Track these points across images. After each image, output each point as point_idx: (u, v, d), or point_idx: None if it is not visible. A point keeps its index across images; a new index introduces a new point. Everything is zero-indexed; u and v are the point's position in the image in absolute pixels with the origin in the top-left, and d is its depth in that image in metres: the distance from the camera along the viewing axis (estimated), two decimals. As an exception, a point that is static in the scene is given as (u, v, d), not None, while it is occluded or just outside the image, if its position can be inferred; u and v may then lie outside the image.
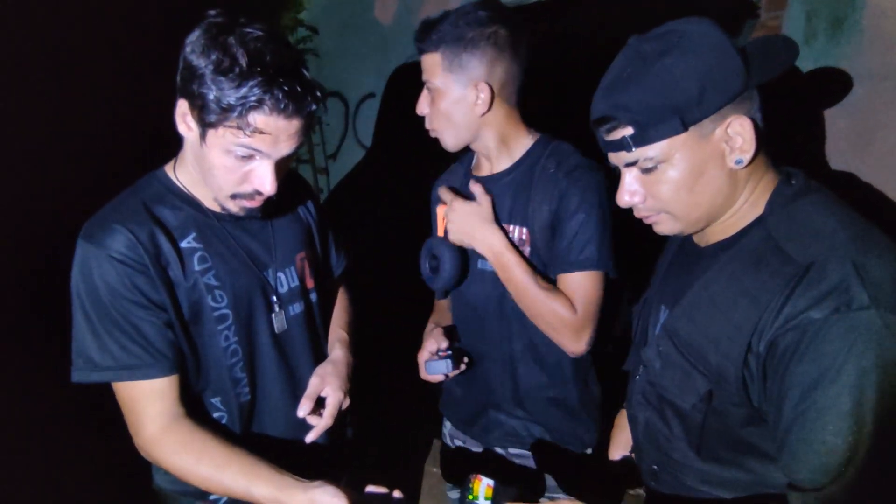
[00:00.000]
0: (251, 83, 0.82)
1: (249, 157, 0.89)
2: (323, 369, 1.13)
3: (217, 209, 1.02)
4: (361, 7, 2.35)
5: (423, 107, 1.23)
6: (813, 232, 0.72)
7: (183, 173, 0.99)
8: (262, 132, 0.85)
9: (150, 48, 0.94)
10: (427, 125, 1.23)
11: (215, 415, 1.03)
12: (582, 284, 1.16)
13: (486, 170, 1.31)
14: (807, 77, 1.40)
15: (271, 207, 1.10)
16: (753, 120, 0.74)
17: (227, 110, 0.83)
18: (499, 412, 1.36)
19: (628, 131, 0.77)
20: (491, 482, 0.82)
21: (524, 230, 1.22)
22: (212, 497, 1.04)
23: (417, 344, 1.31)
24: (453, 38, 1.13)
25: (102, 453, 1.31)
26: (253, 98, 0.82)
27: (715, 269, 0.80)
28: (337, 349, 1.20)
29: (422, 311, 1.54)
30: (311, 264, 1.17)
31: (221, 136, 0.86)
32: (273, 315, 1.06)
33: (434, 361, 1.18)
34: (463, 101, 1.18)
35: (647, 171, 0.79)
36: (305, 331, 1.13)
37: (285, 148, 0.90)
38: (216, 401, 1.02)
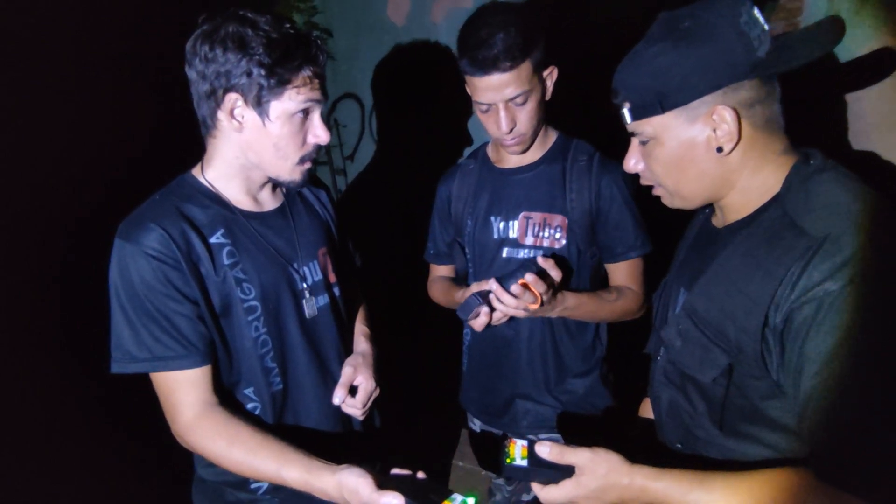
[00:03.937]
0: (293, 44, 0.94)
1: (305, 115, 1.00)
2: (354, 360, 1.17)
3: (245, 206, 1.07)
4: (374, 8, 2.38)
5: (521, 118, 1.19)
6: (828, 206, 0.73)
7: (210, 173, 1.04)
8: (316, 78, 0.98)
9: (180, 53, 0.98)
10: (519, 131, 1.21)
11: (249, 406, 1.06)
12: (635, 267, 1.33)
13: (513, 162, 1.34)
14: (830, 57, 1.38)
15: (292, 204, 1.16)
16: (737, 110, 0.76)
17: (289, 72, 0.94)
18: (527, 401, 1.38)
19: (627, 105, 0.83)
20: (525, 442, 0.85)
21: (564, 219, 1.29)
22: (252, 486, 1.07)
23: (435, 338, 1.32)
24: (533, 40, 1.14)
25: (149, 445, 1.35)
26: (301, 54, 0.94)
27: (731, 248, 0.81)
28: (363, 342, 1.25)
29: (438, 307, 1.55)
30: (333, 259, 1.21)
31: (287, 100, 0.96)
32: (304, 301, 1.10)
33: (461, 306, 1.18)
34: (544, 94, 1.24)
35: (644, 143, 0.86)
36: (332, 321, 1.16)
37: (324, 94, 1.02)
38: (249, 391, 1.06)
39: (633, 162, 0.90)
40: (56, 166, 1.51)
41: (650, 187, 0.92)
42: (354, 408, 1.12)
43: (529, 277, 1.13)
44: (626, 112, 0.84)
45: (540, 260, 1.16)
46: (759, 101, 0.77)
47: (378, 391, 1.16)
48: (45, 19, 1.50)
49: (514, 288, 1.14)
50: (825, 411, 0.68)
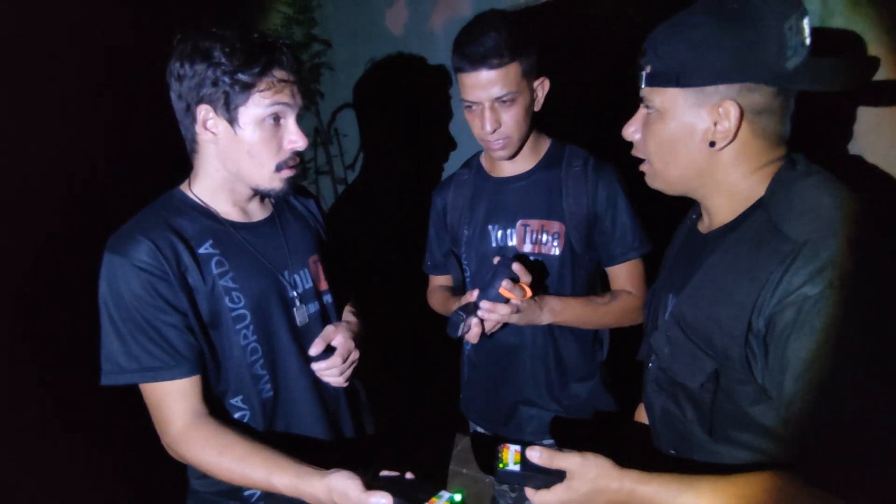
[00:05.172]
0: (257, 49, 0.95)
1: (278, 120, 1.00)
2: (336, 324, 1.20)
3: (233, 217, 1.08)
4: (372, 18, 2.40)
5: (506, 120, 1.20)
6: (809, 211, 0.73)
7: (197, 188, 1.06)
8: (283, 81, 0.98)
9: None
10: (503, 133, 1.22)
11: (237, 415, 1.07)
12: (634, 269, 1.33)
13: (508, 170, 1.34)
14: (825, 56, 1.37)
15: (281, 214, 1.18)
16: (743, 111, 0.76)
17: (253, 77, 0.95)
18: (531, 407, 1.38)
19: (648, 69, 0.82)
20: (518, 447, 0.85)
21: (562, 225, 1.29)
22: (245, 494, 1.08)
23: (434, 345, 1.32)
24: (525, 45, 1.16)
25: (144, 457, 1.37)
26: (264, 59, 0.95)
27: (718, 254, 0.81)
28: (349, 316, 1.28)
29: (437, 315, 1.55)
30: (324, 267, 1.22)
31: (254, 106, 0.97)
32: (295, 309, 1.12)
33: (448, 324, 1.18)
34: (532, 102, 1.24)
35: (648, 113, 0.85)
36: (322, 329, 1.17)
37: (299, 98, 1.02)
38: (237, 400, 1.07)
39: (632, 129, 0.89)
40: (53, 179, 1.54)
41: (642, 186, 0.92)
42: (332, 367, 1.12)
43: (506, 284, 1.13)
44: (643, 75, 0.83)
45: (514, 266, 1.16)
46: (767, 111, 0.77)
47: (357, 354, 1.17)
48: (46, 27, 1.53)
49: (503, 289, 1.14)
50: (808, 414, 0.68)
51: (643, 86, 0.84)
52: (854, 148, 1.33)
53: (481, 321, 1.18)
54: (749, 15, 0.74)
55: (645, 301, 1.07)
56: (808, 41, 0.75)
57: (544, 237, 1.29)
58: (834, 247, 0.68)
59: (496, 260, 1.19)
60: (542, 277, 1.31)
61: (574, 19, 1.85)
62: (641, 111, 0.88)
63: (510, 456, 0.84)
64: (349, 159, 2.69)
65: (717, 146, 0.78)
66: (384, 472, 0.91)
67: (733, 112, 0.75)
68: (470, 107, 1.21)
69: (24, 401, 1.50)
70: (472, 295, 1.19)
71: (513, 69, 1.15)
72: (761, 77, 0.74)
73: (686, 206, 1.00)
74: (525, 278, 1.15)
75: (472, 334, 1.18)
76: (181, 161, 1.09)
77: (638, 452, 1.07)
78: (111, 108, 1.67)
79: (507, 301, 1.16)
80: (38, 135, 1.52)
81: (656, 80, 0.81)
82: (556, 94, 1.29)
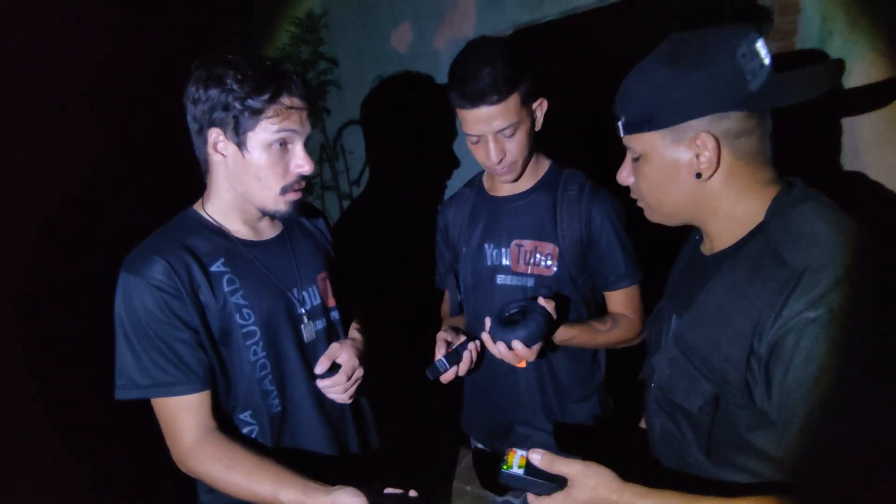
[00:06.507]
0: (267, 77, 1.00)
1: (285, 145, 1.03)
2: (341, 341, 1.21)
3: (244, 236, 1.11)
4: (378, 38, 2.44)
5: (510, 149, 1.20)
6: (808, 238, 0.74)
7: (210, 207, 1.09)
8: (292, 108, 1.01)
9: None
10: (508, 161, 1.22)
11: (245, 430, 1.08)
12: (630, 295, 1.33)
13: (506, 190, 1.35)
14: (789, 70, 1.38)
15: (291, 232, 1.20)
16: (719, 139, 0.78)
17: (262, 103, 0.98)
18: (527, 427, 1.37)
19: (623, 119, 0.85)
20: (525, 452, 0.86)
21: (555, 247, 1.29)
22: None
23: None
24: (522, 73, 1.16)
25: (152, 472, 1.37)
26: (273, 86, 0.99)
27: (718, 277, 0.82)
28: (353, 333, 1.30)
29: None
30: (332, 284, 1.24)
31: (263, 130, 1.00)
32: (302, 326, 1.14)
33: (430, 366, 1.20)
34: (533, 125, 1.25)
35: (634, 159, 0.87)
36: (328, 346, 1.19)
37: (307, 125, 1.06)
38: (245, 415, 1.08)
39: (624, 174, 0.92)
40: (53, 179, 1.55)
41: (641, 210, 0.94)
42: (337, 385, 1.13)
43: (518, 347, 1.12)
44: (620, 125, 0.86)
45: (541, 300, 1.16)
46: (744, 133, 0.79)
47: (362, 372, 1.18)
48: (48, 27, 1.55)
49: (502, 347, 1.15)
50: (811, 440, 0.69)
51: (622, 135, 0.87)
52: (857, 165, 1.33)
53: (457, 367, 1.21)
54: (700, 54, 0.77)
55: (649, 320, 1.08)
56: (766, 61, 0.77)
57: (538, 257, 1.30)
58: (833, 274, 0.69)
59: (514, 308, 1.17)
60: (564, 308, 1.30)
61: (575, 37, 1.88)
62: (629, 157, 0.90)
63: (515, 459, 0.86)
64: (354, 175, 2.72)
65: (704, 176, 0.80)
66: (388, 490, 0.92)
67: (710, 142, 0.77)
68: (473, 139, 1.22)
69: (24, 401, 1.50)
70: (459, 339, 1.24)
71: (513, 101, 1.15)
72: (726, 105, 0.77)
73: (688, 228, 1.01)
74: (527, 357, 1.15)
75: (445, 377, 1.21)
76: (181, 161, 1.12)
77: (639, 461, 1.07)
78: (111, 109, 1.69)
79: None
80: (39, 135, 1.53)
81: (632, 128, 0.84)
82: (556, 111, 1.30)
